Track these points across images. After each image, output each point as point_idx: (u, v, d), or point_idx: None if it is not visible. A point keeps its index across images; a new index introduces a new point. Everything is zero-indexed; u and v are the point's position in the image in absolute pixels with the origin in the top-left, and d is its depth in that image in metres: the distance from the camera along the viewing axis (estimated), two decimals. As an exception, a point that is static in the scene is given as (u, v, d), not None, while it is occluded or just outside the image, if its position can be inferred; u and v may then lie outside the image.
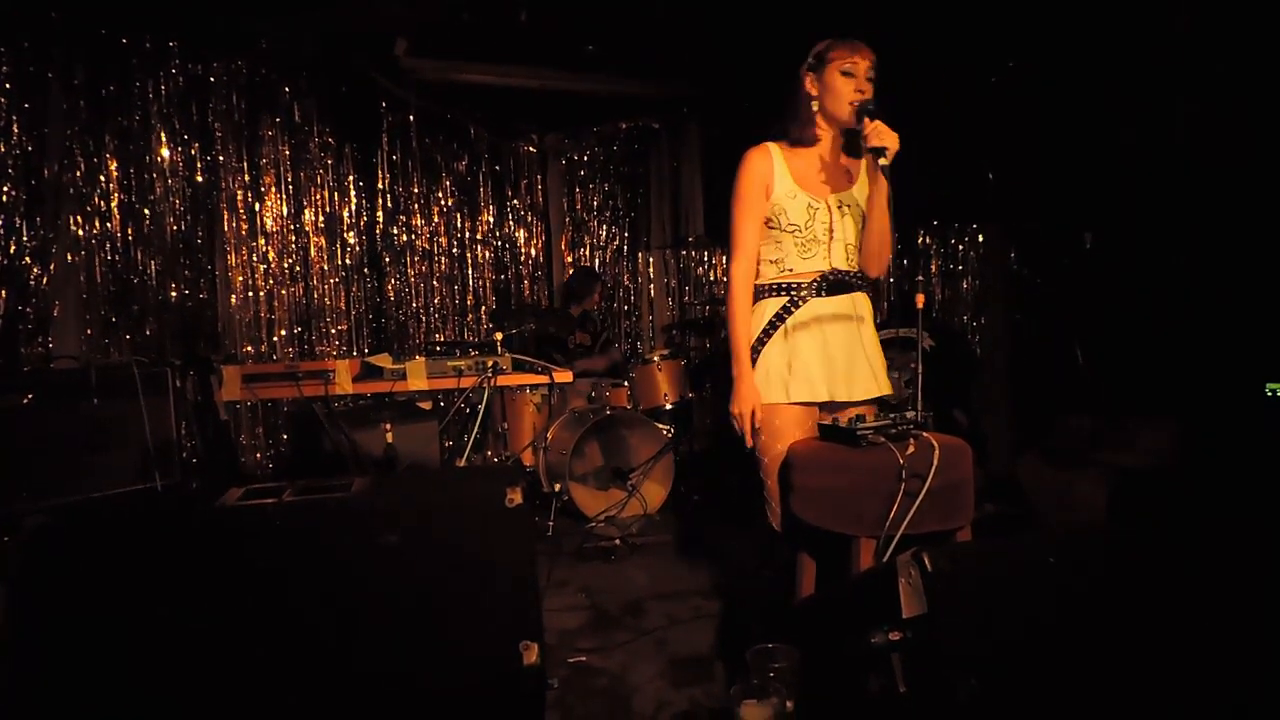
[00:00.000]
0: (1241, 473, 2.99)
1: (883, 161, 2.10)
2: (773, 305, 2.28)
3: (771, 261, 2.29)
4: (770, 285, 2.29)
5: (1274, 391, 3.16)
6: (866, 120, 2.11)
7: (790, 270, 2.27)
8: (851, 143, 2.29)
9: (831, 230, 2.26)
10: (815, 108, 2.25)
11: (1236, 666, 1.61)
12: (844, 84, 2.18)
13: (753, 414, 2.26)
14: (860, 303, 2.31)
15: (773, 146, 2.30)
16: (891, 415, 2.41)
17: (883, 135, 2.08)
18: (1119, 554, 1.72)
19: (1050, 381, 4.58)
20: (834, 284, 2.26)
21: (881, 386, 2.33)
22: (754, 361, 2.30)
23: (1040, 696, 1.50)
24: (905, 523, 2.12)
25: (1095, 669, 1.54)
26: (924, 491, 2.11)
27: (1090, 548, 1.74)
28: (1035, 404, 4.63)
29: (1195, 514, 1.82)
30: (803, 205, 2.24)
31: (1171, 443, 3.39)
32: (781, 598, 2.70)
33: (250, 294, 5.06)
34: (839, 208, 2.27)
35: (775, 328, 2.27)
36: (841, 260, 2.27)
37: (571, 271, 6.49)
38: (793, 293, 2.26)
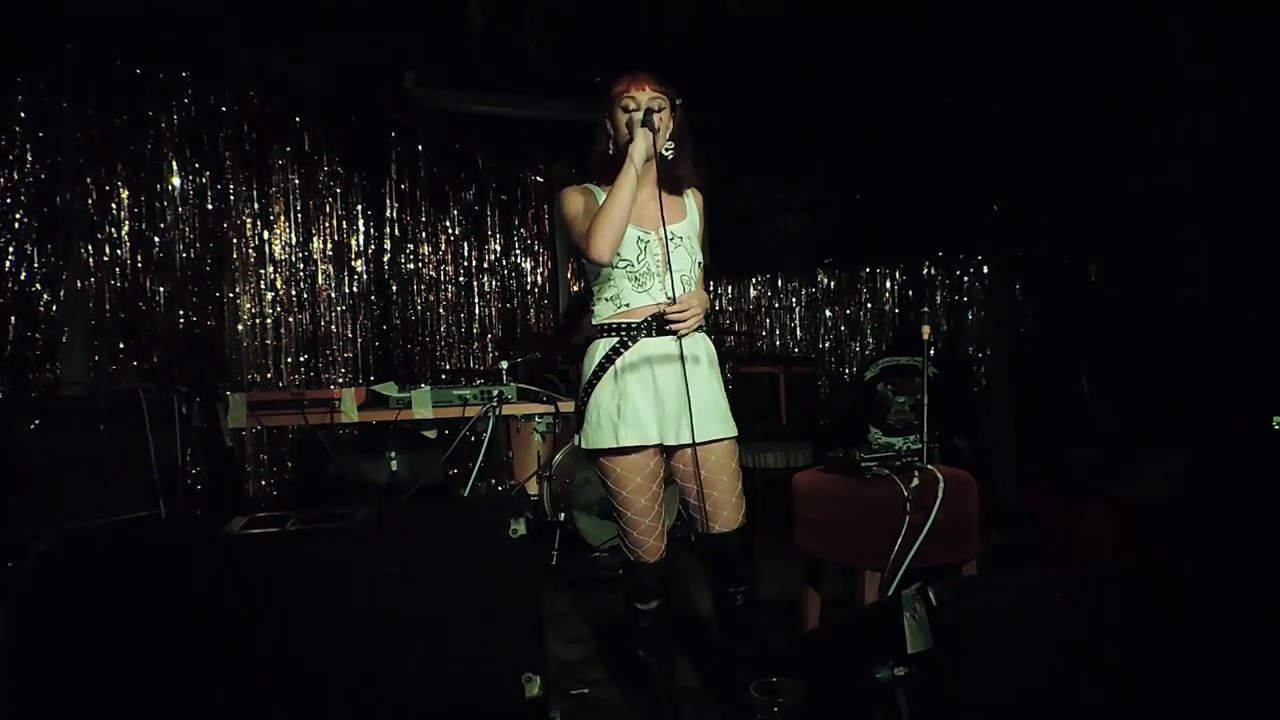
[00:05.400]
0: (1248, 506, 2.97)
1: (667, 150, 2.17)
2: (604, 346, 2.20)
3: (608, 299, 2.20)
4: (604, 325, 2.21)
5: (1280, 424, 3.15)
6: (645, 130, 2.10)
7: (626, 306, 2.18)
8: (668, 175, 2.24)
9: (667, 263, 2.17)
10: (611, 149, 2.22)
11: (1247, 700, 1.60)
12: (624, 118, 2.16)
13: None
14: (694, 342, 2.20)
15: (591, 185, 2.25)
16: (896, 447, 2.41)
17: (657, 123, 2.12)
18: (1125, 587, 1.71)
19: (1056, 412, 4.57)
20: (665, 322, 2.15)
21: (723, 428, 2.21)
22: (585, 404, 2.22)
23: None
24: (910, 556, 2.12)
25: (1102, 704, 1.52)
26: (929, 525, 2.11)
27: (1096, 581, 1.73)
28: (1041, 435, 4.62)
29: (1202, 546, 1.81)
30: (632, 238, 2.16)
31: (1178, 475, 3.37)
32: (786, 631, 2.69)
33: (257, 321, 5.09)
34: (670, 239, 2.17)
35: (605, 369, 2.18)
36: (678, 294, 2.17)
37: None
38: (624, 333, 2.18)
